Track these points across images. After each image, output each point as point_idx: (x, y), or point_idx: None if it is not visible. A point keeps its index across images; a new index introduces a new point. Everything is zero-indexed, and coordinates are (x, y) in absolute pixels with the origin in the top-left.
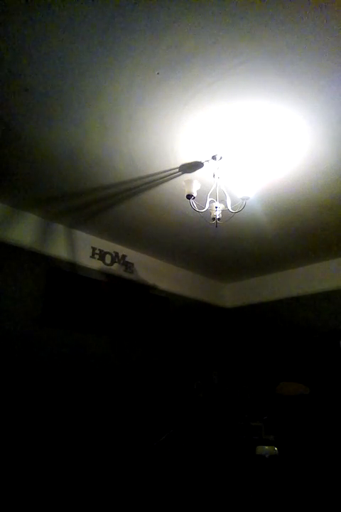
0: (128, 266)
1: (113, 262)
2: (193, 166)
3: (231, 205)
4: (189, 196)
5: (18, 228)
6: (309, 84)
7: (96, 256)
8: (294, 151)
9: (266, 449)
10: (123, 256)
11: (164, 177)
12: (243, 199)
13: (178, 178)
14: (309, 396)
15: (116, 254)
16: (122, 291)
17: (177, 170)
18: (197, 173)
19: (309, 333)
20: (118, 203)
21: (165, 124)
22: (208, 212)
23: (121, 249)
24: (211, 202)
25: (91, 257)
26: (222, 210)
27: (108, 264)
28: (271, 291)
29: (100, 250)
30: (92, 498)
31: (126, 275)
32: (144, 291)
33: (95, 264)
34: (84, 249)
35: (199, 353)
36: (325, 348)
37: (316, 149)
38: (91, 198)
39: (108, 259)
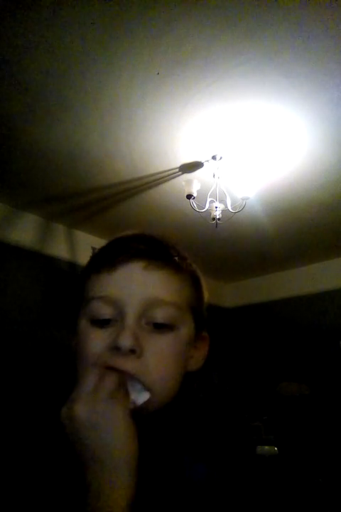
0: None
1: None
2: (193, 166)
3: (231, 205)
4: (189, 196)
5: (18, 228)
6: (309, 84)
7: None
8: (294, 151)
9: (266, 449)
10: None
11: (164, 177)
12: (243, 199)
13: (178, 178)
14: (309, 396)
15: None
16: None
17: (177, 170)
18: (197, 173)
19: (309, 333)
20: (118, 203)
21: (165, 124)
22: (208, 212)
23: None
24: (211, 202)
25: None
26: (222, 210)
27: None
28: (271, 291)
29: None
30: None
31: None
32: None
33: None
34: (84, 249)
35: None
36: (325, 348)
37: (316, 149)
38: (92, 198)
39: None
